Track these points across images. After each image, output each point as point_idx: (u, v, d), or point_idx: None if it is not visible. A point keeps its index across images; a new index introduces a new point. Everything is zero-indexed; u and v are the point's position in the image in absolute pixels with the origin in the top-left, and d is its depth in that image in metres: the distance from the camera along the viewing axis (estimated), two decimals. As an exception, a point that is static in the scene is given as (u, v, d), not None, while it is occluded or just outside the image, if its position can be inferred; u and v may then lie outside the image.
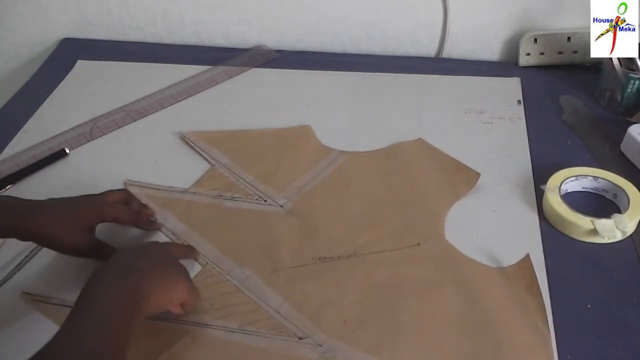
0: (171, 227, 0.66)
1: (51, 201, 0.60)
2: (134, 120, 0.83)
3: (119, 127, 0.82)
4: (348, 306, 0.57)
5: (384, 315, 0.57)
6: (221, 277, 0.61)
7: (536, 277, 0.58)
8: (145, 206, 0.67)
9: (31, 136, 0.80)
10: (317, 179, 0.72)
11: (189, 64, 0.93)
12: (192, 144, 0.77)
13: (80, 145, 0.79)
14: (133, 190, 0.70)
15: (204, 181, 0.72)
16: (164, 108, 0.85)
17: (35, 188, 0.72)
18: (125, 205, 0.64)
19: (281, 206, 0.68)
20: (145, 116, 0.84)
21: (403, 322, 0.56)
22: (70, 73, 0.93)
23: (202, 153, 0.76)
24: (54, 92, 0.89)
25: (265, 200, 0.69)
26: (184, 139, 0.78)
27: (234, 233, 0.66)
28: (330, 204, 0.69)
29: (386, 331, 0.55)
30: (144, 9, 0.97)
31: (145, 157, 0.77)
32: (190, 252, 0.62)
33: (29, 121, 0.83)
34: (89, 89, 0.90)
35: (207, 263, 0.62)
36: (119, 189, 0.66)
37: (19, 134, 0.81)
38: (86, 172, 0.75)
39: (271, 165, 0.74)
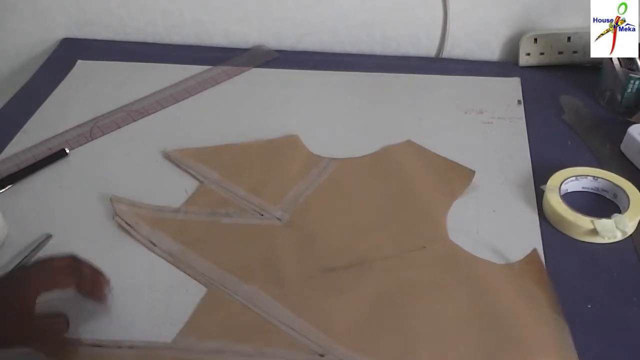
0: (166, 248, 0.63)
1: None
2: (134, 120, 0.83)
3: (119, 127, 0.82)
4: (362, 316, 0.55)
5: (399, 322, 0.55)
6: (229, 297, 0.58)
7: (545, 271, 0.58)
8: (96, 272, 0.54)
9: (31, 136, 0.80)
10: (310, 188, 0.70)
11: (189, 64, 0.93)
12: (177, 163, 0.74)
13: (80, 145, 0.79)
14: (120, 207, 0.66)
15: (195, 199, 0.69)
16: (164, 108, 0.85)
17: (35, 188, 0.72)
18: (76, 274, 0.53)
19: (278, 219, 0.66)
20: (145, 116, 0.84)
21: (420, 327, 0.54)
22: (70, 73, 0.93)
23: (189, 170, 0.73)
24: (54, 92, 0.89)
25: (262, 214, 0.67)
26: (169, 158, 0.75)
27: (234, 250, 0.63)
28: (328, 213, 0.67)
29: (405, 338, 0.54)
30: (144, 9, 0.97)
31: (145, 157, 0.76)
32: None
33: (29, 121, 0.83)
34: (89, 89, 0.90)
35: (211, 283, 0.59)
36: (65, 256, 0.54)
37: (19, 134, 0.81)
38: (86, 172, 0.75)
39: (262, 178, 0.71)
